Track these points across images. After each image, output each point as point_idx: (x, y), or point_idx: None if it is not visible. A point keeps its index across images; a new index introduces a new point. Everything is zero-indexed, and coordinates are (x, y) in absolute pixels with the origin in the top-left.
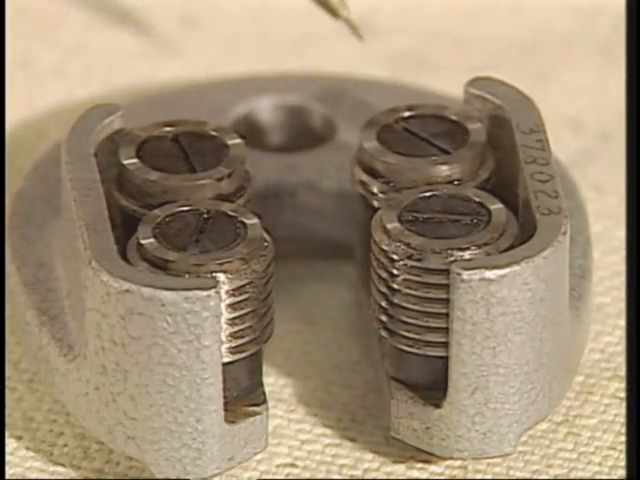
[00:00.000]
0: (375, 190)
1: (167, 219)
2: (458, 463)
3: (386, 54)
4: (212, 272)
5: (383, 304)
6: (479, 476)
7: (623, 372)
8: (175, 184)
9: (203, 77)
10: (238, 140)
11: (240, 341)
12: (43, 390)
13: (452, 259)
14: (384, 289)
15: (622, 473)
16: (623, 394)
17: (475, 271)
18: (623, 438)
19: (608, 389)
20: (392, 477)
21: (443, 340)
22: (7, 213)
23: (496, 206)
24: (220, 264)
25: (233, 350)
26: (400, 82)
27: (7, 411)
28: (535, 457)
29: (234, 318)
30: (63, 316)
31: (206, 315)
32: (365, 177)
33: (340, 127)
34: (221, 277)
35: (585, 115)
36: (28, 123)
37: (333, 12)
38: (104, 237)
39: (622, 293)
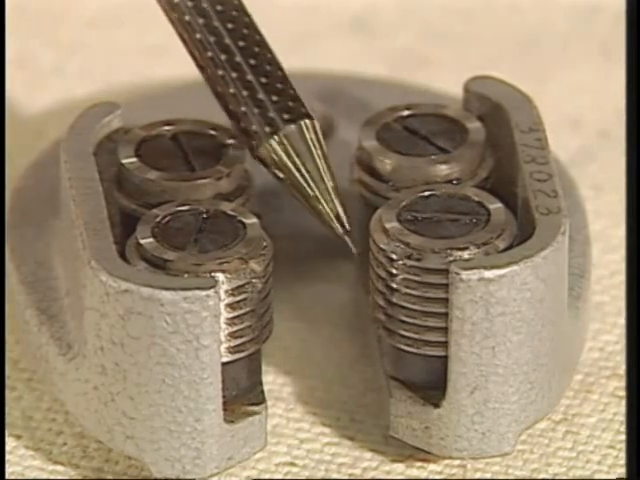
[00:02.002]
0: (374, 189)
1: (166, 218)
2: (457, 462)
3: (385, 53)
4: (211, 272)
5: (382, 303)
6: (478, 475)
7: (622, 370)
8: (174, 183)
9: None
10: (237, 139)
11: (239, 341)
12: (42, 389)
13: (451, 259)
14: (383, 288)
15: (621, 472)
16: (622, 392)
17: (474, 271)
18: (622, 437)
19: (607, 388)
20: (391, 476)
21: (442, 340)
22: (6, 211)
23: (495, 205)
24: (219, 264)
25: (232, 350)
26: (399, 81)
27: (6, 410)
28: (534, 456)
29: (233, 318)
30: (62, 315)
31: (205, 315)
32: (364, 176)
33: (339, 125)
34: (220, 277)
35: (584, 114)
36: (27, 122)
37: (333, 231)
38: (103, 236)
39: (621, 292)
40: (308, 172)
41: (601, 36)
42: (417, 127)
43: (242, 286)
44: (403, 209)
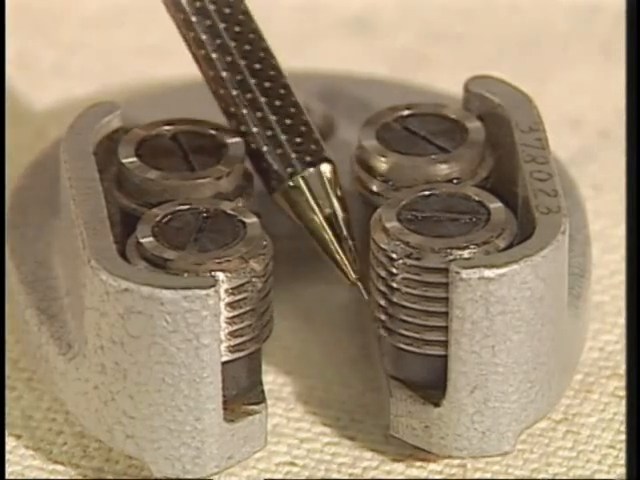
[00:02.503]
0: (374, 189)
1: (166, 218)
2: (457, 461)
3: (385, 52)
4: (211, 271)
5: (382, 303)
6: (478, 474)
7: (622, 370)
8: (174, 183)
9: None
10: (237, 139)
11: (239, 340)
12: (42, 389)
13: (451, 258)
14: (383, 288)
15: (621, 471)
16: (622, 392)
17: (474, 270)
18: (622, 436)
19: (607, 387)
20: (391, 476)
21: (442, 339)
22: (6, 211)
23: (495, 205)
24: (219, 263)
25: (232, 349)
26: (399, 80)
27: (6, 410)
28: (534, 455)
29: (233, 317)
30: (62, 315)
31: (205, 314)
32: (364, 176)
33: (339, 125)
34: (220, 276)
35: (584, 113)
36: (27, 121)
37: (346, 276)
38: (103, 236)
39: (621, 291)
40: (325, 217)
41: (601, 36)
42: (417, 127)
43: (242, 285)
44: (403, 208)
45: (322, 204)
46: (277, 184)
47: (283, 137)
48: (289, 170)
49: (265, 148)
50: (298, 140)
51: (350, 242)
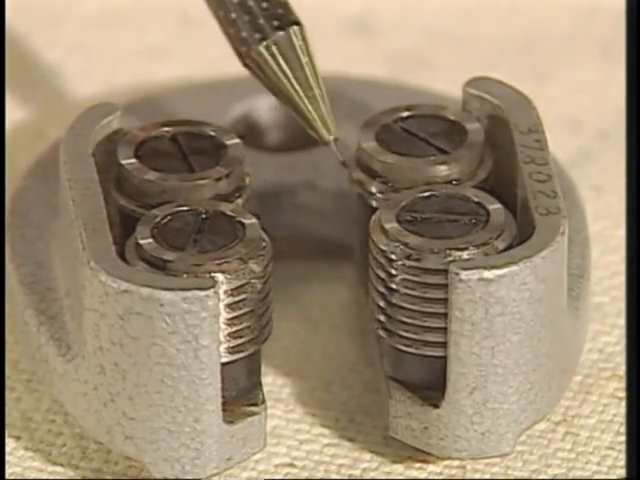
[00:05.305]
0: (373, 190)
1: (165, 219)
2: (456, 463)
3: (385, 54)
4: (210, 272)
5: (381, 304)
6: (477, 476)
7: (622, 372)
8: (173, 184)
9: (202, 77)
10: (236, 140)
11: (238, 341)
12: (42, 390)
13: (450, 259)
14: (382, 289)
15: (621, 473)
16: (622, 394)
17: (473, 271)
18: (622, 438)
19: (607, 389)
20: (390, 477)
21: (441, 340)
22: (6, 212)
23: (494, 206)
24: (218, 264)
25: (231, 350)
26: (399, 82)
27: (6, 411)
28: (533, 457)
29: (232, 318)
30: (62, 316)
31: (204, 315)
32: (363, 177)
33: (339, 126)
34: (219, 277)
35: (584, 115)
36: (27, 122)
37: (320, 137)
38: (102, 237)
39: (621, 293)
40: (296, 78)
41: (601, 36)
42: (416, 128)
43: (241, 286)
44: (402, 210)
45: (293, 67)
46: (247, 50)
47: (250, 3)
48: (257, 35)
49: (233, 15)
50: (265, 5)
51: (323, 103)
